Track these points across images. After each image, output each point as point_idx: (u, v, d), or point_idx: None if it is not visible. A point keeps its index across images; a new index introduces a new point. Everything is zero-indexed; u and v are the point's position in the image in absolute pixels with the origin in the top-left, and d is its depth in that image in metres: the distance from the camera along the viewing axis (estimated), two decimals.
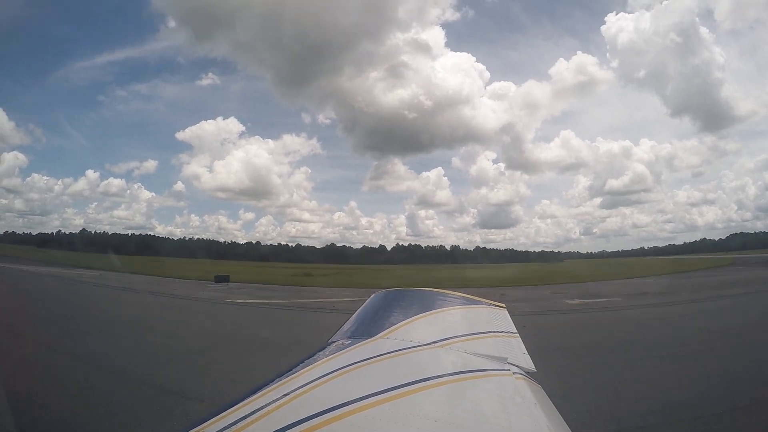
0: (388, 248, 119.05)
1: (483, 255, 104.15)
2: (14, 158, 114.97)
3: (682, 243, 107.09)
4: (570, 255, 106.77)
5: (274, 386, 1.54)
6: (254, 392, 1.48)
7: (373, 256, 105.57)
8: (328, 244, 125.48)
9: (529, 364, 2.11)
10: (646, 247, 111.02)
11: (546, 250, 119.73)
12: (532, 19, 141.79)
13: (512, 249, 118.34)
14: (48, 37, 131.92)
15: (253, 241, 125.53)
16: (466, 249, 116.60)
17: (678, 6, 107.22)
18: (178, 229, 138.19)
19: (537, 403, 1.55)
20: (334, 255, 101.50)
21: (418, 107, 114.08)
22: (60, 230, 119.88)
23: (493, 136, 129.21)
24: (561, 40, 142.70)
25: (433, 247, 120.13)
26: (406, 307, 2.84)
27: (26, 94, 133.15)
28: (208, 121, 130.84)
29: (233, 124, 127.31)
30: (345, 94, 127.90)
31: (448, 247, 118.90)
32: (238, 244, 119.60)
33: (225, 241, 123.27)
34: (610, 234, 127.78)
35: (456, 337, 2.34)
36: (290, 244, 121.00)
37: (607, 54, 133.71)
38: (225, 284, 29.75)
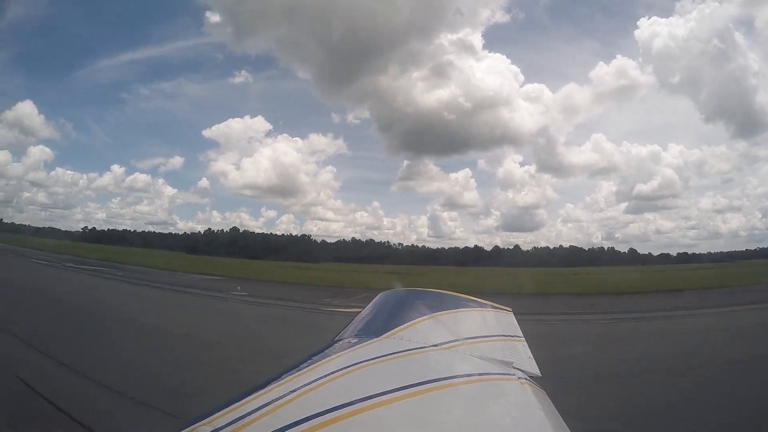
0: (446, 248, 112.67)
1: (519, 255, 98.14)
2: (41, 152, 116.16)
3: (706, 252, 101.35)
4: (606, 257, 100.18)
5: (280, 382, 1.56)
6: (261, 387, 1.51)
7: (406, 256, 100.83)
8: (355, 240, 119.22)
9: (534, 369, 2.12)
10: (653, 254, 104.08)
11: (577, 247, 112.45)
12: (557, 22, 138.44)
13: (565, 246, 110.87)
14: (87, 31, 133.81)
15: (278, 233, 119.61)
16: (506, 248, 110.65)
17: (718, 12, 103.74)
18: (200, 225, 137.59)
19: (541, 409, 1.55)
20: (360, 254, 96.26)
21: (457, 108, 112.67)
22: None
23: (526, 139, 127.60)
24: (590, 43, 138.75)
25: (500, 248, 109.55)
26: (413, 308, 2.84)
27: (59, 89, 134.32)
28: (236, 119, 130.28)
29: (260, 123, 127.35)
30: (385, 93, 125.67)
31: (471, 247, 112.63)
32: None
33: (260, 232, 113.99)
34: (633, 239, 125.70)
35: (463, 339, 2.36)
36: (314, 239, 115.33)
37: (640, 58, 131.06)
38: None
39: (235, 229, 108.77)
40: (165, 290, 23.42)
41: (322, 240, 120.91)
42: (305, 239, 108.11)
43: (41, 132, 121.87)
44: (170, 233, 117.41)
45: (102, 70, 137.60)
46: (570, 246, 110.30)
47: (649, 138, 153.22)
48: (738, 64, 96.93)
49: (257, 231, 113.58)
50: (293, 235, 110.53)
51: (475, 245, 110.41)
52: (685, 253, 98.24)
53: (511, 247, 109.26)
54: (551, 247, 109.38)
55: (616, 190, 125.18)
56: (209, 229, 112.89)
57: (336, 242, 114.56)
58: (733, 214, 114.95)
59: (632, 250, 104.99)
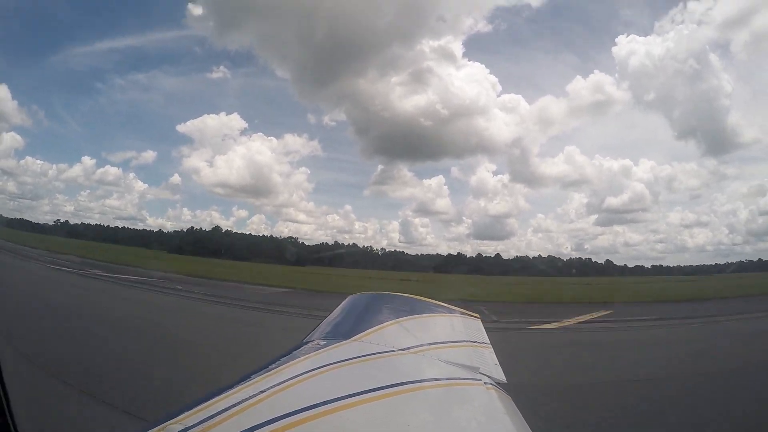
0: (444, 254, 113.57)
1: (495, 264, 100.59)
2: (11, 139, 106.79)
3: (674, 265, 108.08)
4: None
5: (250, 382, 1.54)
6: (231, 387, 1.48)
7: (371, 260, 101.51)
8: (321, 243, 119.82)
9: (500, 375, 2.13)
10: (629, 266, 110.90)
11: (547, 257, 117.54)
12: (538, 35, 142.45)
13: (543, 256, 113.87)
14: (65, 15, 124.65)
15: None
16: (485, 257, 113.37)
17: (695, 33, 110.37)
18: (169, 222, 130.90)
19: (507, 414, 1.57)
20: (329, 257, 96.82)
21: (434, 115, 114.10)
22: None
23: (501, 148, 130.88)
24: (569, 57, 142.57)
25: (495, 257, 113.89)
26: (382, 312, 2.79)
27: (33, 74, 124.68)
28: (211, 115, 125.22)
29: (236, 120, 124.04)
30: (363, 97, 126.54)
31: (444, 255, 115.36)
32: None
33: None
34: (601, 251, 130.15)
35: (431, 344, 2.36)
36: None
37: (617, 74, 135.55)
38: None
39: (217, 229, 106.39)
40: (297, 317, 15.49)
41: (302, 242, 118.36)
42: (291, 241, 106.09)
43: (13, 118, 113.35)
44: (143, 229, 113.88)
45: (77, 57, 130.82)
46: (548, 256, 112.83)
47: (622, 152, 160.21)
48: (712, 85, 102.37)
49: (233, 231, 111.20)
50: (277, 237, 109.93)
51: (459, 252, 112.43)
52: (660, 266, 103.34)
53: (492, 255, 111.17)
54: (531, 257, 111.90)
55: (586, 202, 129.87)
56: (192, 227, 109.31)
57: (318, 245, 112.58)
58: (700, 229, 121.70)
59: (609, 261, 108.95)
